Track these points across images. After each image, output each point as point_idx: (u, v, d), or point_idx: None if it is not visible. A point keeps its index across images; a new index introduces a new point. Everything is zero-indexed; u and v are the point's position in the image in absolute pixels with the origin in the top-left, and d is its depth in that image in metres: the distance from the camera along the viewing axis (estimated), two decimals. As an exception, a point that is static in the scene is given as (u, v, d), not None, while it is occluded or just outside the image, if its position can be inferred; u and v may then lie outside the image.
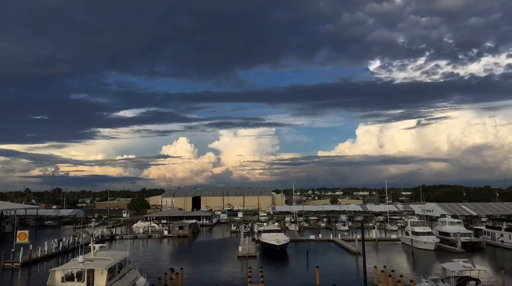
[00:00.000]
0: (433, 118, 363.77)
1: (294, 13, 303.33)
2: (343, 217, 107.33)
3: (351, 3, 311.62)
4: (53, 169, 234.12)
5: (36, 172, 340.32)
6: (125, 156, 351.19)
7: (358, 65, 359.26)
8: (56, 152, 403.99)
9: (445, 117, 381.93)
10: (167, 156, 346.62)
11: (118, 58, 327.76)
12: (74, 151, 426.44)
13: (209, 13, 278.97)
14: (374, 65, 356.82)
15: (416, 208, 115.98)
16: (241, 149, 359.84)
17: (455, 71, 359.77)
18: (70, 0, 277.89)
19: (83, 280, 23.83)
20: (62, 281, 24.02)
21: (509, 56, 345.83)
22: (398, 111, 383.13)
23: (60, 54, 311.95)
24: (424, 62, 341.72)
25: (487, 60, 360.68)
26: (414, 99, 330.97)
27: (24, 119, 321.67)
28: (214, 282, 39.05)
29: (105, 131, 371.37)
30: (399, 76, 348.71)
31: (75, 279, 24.02)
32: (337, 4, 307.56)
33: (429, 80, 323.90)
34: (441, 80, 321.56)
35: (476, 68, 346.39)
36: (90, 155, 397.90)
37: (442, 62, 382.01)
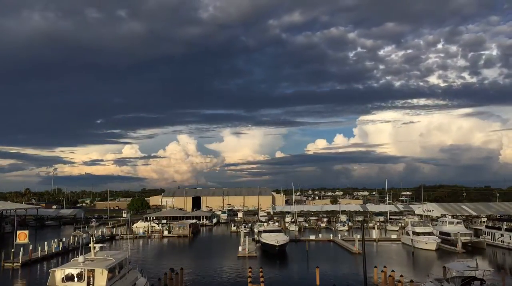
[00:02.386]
0: (404, 123, 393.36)
1: (256, 39, 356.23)
2: (342, 217, 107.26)
3: (304, 29, 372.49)
4: (53, 169, 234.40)
5: (36, 172, 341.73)
6: (123, 156, 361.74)
7: (317, 80, 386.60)
8: (55, 153, 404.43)
9: (419, 121, 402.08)
10: (159, 157, 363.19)
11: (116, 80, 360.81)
12: (75, 151, 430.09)
13: (188, 42, 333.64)
14: (334, 78, 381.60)
15: (416, 208, 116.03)
16: (233, 150, 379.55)
17: (411, 82, 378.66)
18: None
19: (83, 280, 23.79)
20: (62, 281, 23.98)
21: (463, 70, 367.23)
22: (373, 114, 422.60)
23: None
24: (379, 75, 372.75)
25: (439, 73, 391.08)
26: (384, 103, 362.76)
27: (23, 121, 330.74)
28: (214, 282, 39.02)
29: (103, 133, 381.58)
30: (358, 86, 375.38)
31: (75, 279, 23.98)
32: (292, 31, 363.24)
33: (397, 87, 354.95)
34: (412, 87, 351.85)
35: (433, 80, 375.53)
36: (89, 155, 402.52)
37: (395, 77, 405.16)
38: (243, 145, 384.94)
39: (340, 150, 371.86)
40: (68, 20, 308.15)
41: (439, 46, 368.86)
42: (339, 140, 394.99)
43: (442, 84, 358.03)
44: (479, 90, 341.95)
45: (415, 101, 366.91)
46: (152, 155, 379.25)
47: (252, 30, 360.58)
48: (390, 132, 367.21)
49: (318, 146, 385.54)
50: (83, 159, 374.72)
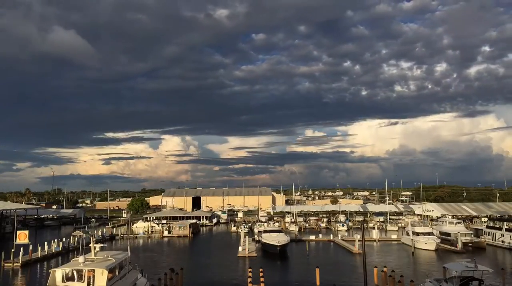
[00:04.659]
0: (383, 126, 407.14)
1: (231, 57, 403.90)
2: (341, 217, 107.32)
3: (276, 49, 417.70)
4: (51, 169, 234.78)
5: (36, 171, 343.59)
6: (119, 157, 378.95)
7: (290, 90, 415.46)
8: (56, 153, 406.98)
9: (397, 124, 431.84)
10: (149, 157, 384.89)
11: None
12: (75, 152, 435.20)
13: (168, 58, 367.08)
14: (305, 87, 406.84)
15: (417, 208, 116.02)
16: (225, 151, 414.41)
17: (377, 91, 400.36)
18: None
19: (84, 280, 23.77)
20: (62, 281, 23.94)
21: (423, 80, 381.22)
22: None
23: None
24: (346, 85, 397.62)
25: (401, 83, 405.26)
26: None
27: (22, 123, 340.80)
28: (214, 282, 39.03)
29: (99, 135, 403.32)
30: (329, 96, 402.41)
31: (75, 279, 23.96)
32: (263, 51, 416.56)
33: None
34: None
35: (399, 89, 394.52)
36: (88, 156, 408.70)
37: (361, 87, 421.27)
38: (233, 146, 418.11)
39: (328, 150, 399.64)
40: (54, 38, 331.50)
41: (392, 61, 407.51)
42: (322, 143, 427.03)
43: (408, 92, 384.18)
44: (446, 97, 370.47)
45: (386, 107, 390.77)
46: (146, 156, 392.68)
47: (226, 50, 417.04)
48: (371, 135, 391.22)
49: (302, 146, 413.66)
50: (82, 160, 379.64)
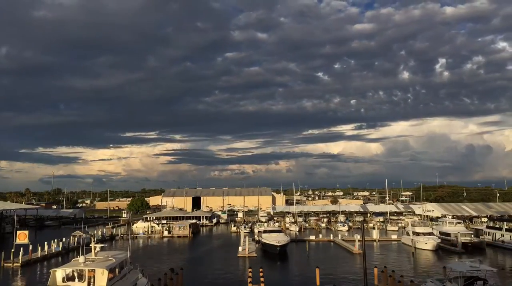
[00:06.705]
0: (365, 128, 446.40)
1: (213, 69, 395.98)
2: (341, 218, 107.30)
3: (253, 63, 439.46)
4: (53, 170, 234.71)
5: (36, 171, 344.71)
6: (114, 158, 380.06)
7: (269, 98, 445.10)
8: (56, 153, 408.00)
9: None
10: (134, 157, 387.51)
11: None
12: (76, 152, 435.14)
13: (153, 67, 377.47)
14: (280, 98, 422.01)
15: (417, 208, 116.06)
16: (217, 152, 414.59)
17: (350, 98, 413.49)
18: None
19: (84, 281, 23.79)
20: (63, 281, 23.97)
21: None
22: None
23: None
24: (320, 94, 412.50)
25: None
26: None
27: (20, 123, 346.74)
28: (214, 282, 39.04)
29: (100, 135, 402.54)
30: (308, 104, 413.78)
31: (76, 279, 23.97)
32: (241, 65, 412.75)
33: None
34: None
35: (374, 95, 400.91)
36: (89, 156, 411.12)
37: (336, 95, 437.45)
38: (226, 147, 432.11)
39: (315, 152, 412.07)
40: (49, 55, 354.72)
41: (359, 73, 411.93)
42: (310, 142, 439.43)
43: (380, 99, 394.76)
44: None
45: (362, 112, 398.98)
46: (145, 156, 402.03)
47: (205, 63, 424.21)
48: (354, 137, 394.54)
49: (291, 147, 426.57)
50: (83, 160, 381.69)
